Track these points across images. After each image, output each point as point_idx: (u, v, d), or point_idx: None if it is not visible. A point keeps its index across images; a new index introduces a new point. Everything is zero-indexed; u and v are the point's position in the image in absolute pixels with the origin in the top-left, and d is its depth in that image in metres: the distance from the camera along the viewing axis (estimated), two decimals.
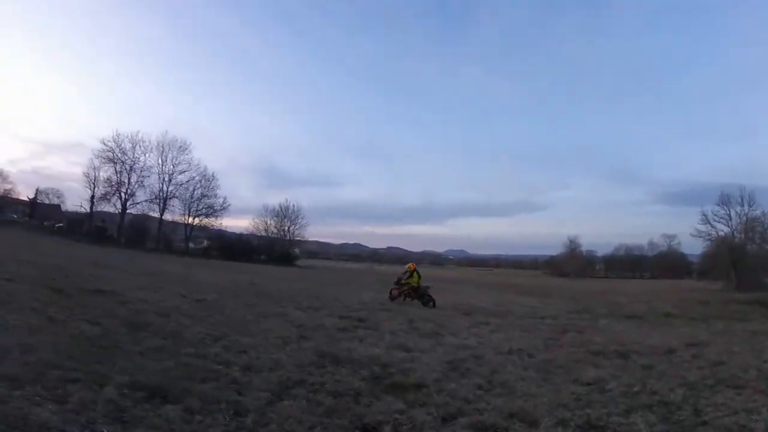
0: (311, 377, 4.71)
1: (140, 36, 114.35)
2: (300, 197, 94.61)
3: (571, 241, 72.87)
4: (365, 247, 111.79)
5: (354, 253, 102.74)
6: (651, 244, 73.38)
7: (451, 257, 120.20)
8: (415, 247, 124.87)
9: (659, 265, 67.96)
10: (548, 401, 4.60)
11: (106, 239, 42.80)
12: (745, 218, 34.92)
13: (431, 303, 14.63)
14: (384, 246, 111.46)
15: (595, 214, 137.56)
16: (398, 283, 15.38)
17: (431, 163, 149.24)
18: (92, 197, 45.88)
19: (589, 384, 5.43)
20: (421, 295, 14.87)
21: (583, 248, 73.96)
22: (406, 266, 16.36)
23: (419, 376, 5.06)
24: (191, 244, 49.84)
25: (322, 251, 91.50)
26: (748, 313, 16.69)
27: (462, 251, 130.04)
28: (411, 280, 15.24)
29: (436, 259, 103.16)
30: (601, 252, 77.83)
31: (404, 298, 14.88)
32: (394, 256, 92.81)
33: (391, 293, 15.20)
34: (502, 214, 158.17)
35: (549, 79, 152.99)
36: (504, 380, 5.32)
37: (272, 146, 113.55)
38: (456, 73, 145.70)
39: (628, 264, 74.71)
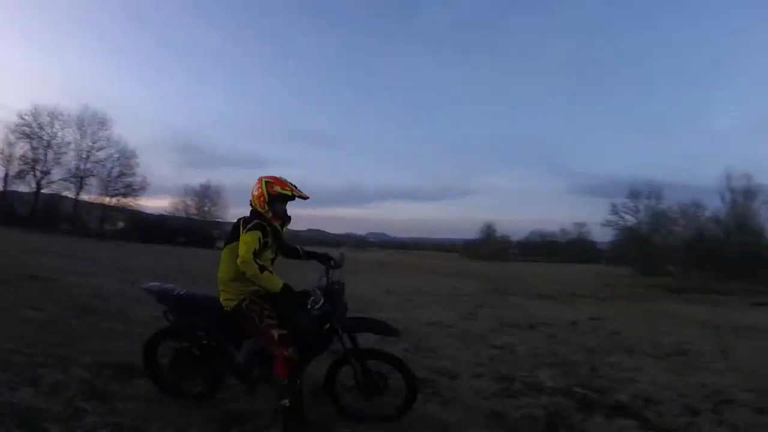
0: None
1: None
2: (223, 177, 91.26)
3: (487, 227, 77.42)
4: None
5: None
6: (563, 231, 78.00)
7: (372, 239, 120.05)
8: (337, 230, 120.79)
9: (570, 250, 71.73)
10: (466, 361, 5.45)
11: (14, 219, 38.12)
12: (652, 211, 39.07)
13: None
14: (304, 228, 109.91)
15: (515, 201, 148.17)
16: None
17: (364, 149, 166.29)
18: (6, 176, 41.39)
19: (501, 347, 6.42)
20: None
21: (498, 233, 77.78)
22: None
23: None
24: (106, 226, 46.68)
25: None
26: (650, 295, 19.01)
27: (383, 234, 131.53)
28: None
29: (359, 242, 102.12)
30: (515, 237, 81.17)
31: None
32: (313, 238, 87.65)
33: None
34: (426, 198, 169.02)
35: (486, 74, 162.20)
36: (429, 345, 6.14)
37: (194, 121, 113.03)
38: (396, 63, 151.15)
39: (541, 249, 77.38)
